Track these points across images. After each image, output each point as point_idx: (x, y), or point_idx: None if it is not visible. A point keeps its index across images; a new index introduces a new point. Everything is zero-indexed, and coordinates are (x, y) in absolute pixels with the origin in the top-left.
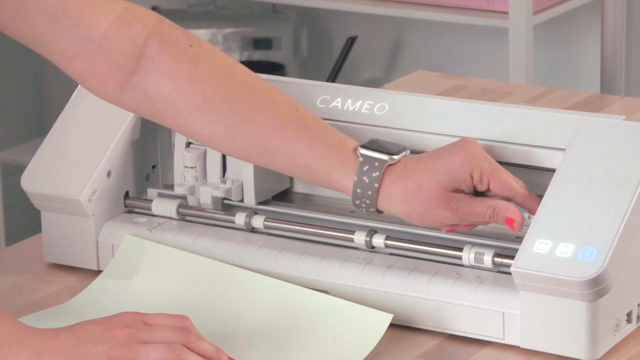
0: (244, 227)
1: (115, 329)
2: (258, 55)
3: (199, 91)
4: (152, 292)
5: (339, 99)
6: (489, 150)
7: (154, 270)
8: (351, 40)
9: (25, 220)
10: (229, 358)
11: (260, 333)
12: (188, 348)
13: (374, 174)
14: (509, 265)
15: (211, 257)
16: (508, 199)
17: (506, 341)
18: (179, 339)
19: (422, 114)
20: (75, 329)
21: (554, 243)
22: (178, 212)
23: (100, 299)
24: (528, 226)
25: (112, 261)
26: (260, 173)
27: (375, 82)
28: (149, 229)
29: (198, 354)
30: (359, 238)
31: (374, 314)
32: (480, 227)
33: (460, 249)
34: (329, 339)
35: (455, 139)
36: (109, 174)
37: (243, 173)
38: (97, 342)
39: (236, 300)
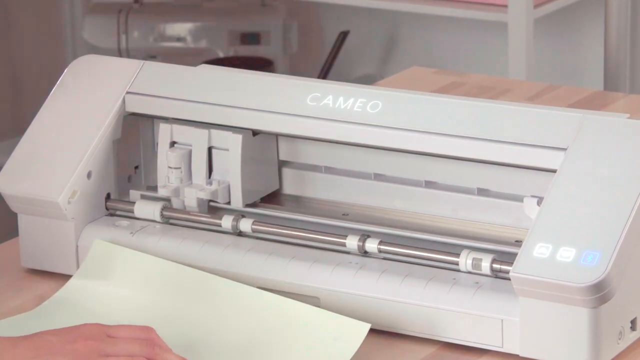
0: (231, 231)
1: (76, 341)
2: (246, 51)
3: None
4: (122, 300)
5: (330, 97)
6: (489, 150)
7: (124, 277)
8: (343, 35)
9: (1, 223)
10: None
11: (231, 343)
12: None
13: None
14: (507, 272)
15: (196, 261)
16: None
17: (505, 349)
18: (143, 351)
19: (417, 112)
20: (34, 339)
21: (554, 247)
22: (162, 215)
23: (67, 306)
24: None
25: (81, 267)
26: (248, 174)
27: (368, 79)
28: (131, 233)
29: None
30: (352, 242)
31: (352, 324)
32: (478, 230)
33: (457, 254)
34: (304, 349)
35: (453, 139)
36: (89, 175)
37: (230, 174)
38: (57, 355)
39: (208, 309)
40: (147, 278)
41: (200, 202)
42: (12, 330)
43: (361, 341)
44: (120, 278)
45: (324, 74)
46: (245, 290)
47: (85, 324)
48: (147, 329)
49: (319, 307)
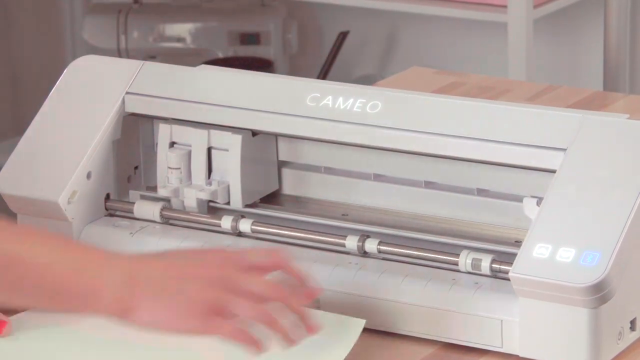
0: (231, 231)
1: (209, 265)
2: (245, 51)
3: None
4: None
5: (330, 97)
6: (488, 150)
7: None
8: (343, 35)
9: None
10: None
11: (225, 342)
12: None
13: None
14: (507, 272)
15: None
16: None
17: (504, 350)
18: (272, 296)
19: (416, 113)
20: (167, 257)
21: (554, 247)
22: (161, 215)
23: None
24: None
25: None
26: (248, 174)
27: (368, 79)
28: (130, 233)
29: (292, 309)
30: (351, 243)
31: (348, 321)
32: (478, 230)
33: (457, 254)
34: (301, 347)
35: (453, 139)
36: (88, 175)
37: (230, 174)
38: (189, 278)
39: None
40: None
41: (199, 202)
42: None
43: (357, 336)
44: None
45: (323, 74)
46: None
47: (216, 250)
48: (277, 252)
49: (318, 308)
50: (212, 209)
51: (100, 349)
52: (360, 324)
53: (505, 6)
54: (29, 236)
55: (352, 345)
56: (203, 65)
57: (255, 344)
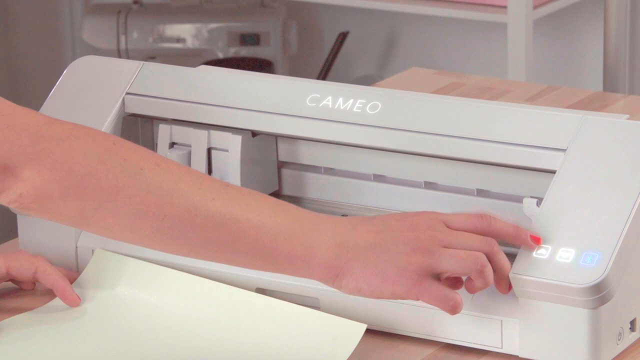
0: None
1: (417, 229)
2: (245, 52)
3: None
4: (127, 305)
5: (330, 98)
6: (488, 151)
7: (130, 284)
8: (342, 36)
9: (1, 223)
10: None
11: (229, 346)
12: (490, 259)
13: None
14: None
15: (195, 263)
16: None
17: (504, 350)
18: (482, 247)
19: (416, 113)
20: (375, 222)
21: (554, 248)
22: None
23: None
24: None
25: (81, 275)
26: (248, 175)
27: (367, 80)
28: None
29: (497, 265)
30: None
31: (348, 324)
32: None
33: None
34: (302, 350)
35: (453, 139)
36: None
37: (229, 175)
38: (399, 242)
39: (206, 313)
40: (148, 284)
41: None
42: (15, 328)
43: (357, 341)
44: (126, 284)
45: (323, 75)
46: (241, 294)
47: (425, 212)
48: (484, 217)
49: (318, 308)
50: None
51: (88, 351)
52: (361, 328)
53: (505, 6)
54: (239, 194)
55: (352, 349)
56: (203, 66)
57: (456, 308)
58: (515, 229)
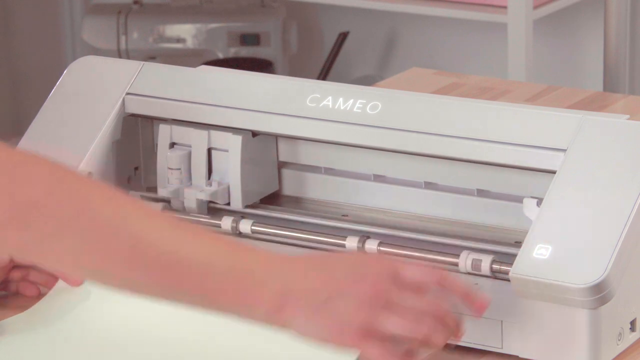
0: (231, 232)
1: (365, 281)
2: (245, 52)
3: None
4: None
5: (330, 98)
6: (488, 151)
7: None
8: (343, 36)
9: None
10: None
11: (231, 345)
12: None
13: None
14: (507, 273)
15: None
16: None
17: (505, 350)
18: (431, 310)
19: (416, 113)
20: (324, 273)
21: (554, 248)
22: None
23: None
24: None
25: None
26: (248, 175)
27: (367, 80)
28: None
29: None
30: (351, 243)
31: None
32: (478, 231)
33: (457, 255)
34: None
35: (453, 140)
36: (89, 176)
37: (229, 175)
38: (345, 295)
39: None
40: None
41: (200, 203)
42: (16, 327)
43: None
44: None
45: (323, 75)
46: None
47: (377, 261)
48: (437, 272)
49: None
50: (212, 209)
51: (89, 352)
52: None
53: (505, 7)
54: (189, 234)
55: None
56: (203, 66)
57: None
58: (466, 290)
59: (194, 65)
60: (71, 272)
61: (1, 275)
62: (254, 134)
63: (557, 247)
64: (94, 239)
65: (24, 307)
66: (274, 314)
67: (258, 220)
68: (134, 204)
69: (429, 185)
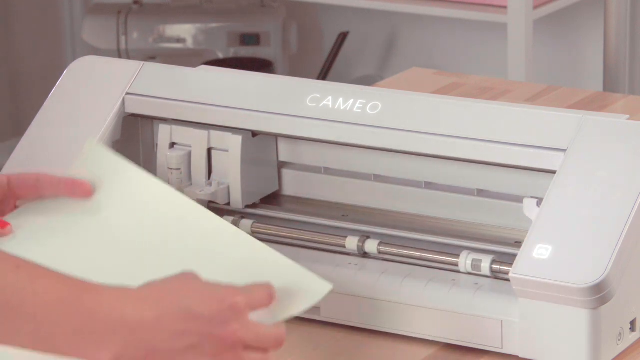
0: None
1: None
2: (245, 52)
3: None
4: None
5: (330, 98)
6: (488, 151)
7: (108, 190)
8: (343, 36)
9: None
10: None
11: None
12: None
13: None
14: (507, 273)
15: None
16: None
17: (505, 350)
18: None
19: (416, 113)
20: (145, 338)
21: (554, 248)
22: None
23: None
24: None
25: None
26: (248, 175)
27: (367, 80)
28: None
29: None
30: (351, 243)
31: (314, 281)
32: (478, 231)
33: (457, 255)
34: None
35: (453, 140)
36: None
37: (230, 175)
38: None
39: (185, 240)
40: (132, 197)
41: (200, 203)
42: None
43: (319, 298)
44: (105, 190)
45: (323, 75)
46: (226, 227)
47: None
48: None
49: (318, 308)
50: (212, 209)
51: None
52: (326, 287)
53: (505, 7)
54: (27, 281)
55: (309, 305)
56: (203, 66)
57: None
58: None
59: (194, 65)
60: None
61: None
62: (254, 134)
63: (557, 247)
64: None
65: None
66: None
67: (258, 220)
68: None
69: (429, 185)
